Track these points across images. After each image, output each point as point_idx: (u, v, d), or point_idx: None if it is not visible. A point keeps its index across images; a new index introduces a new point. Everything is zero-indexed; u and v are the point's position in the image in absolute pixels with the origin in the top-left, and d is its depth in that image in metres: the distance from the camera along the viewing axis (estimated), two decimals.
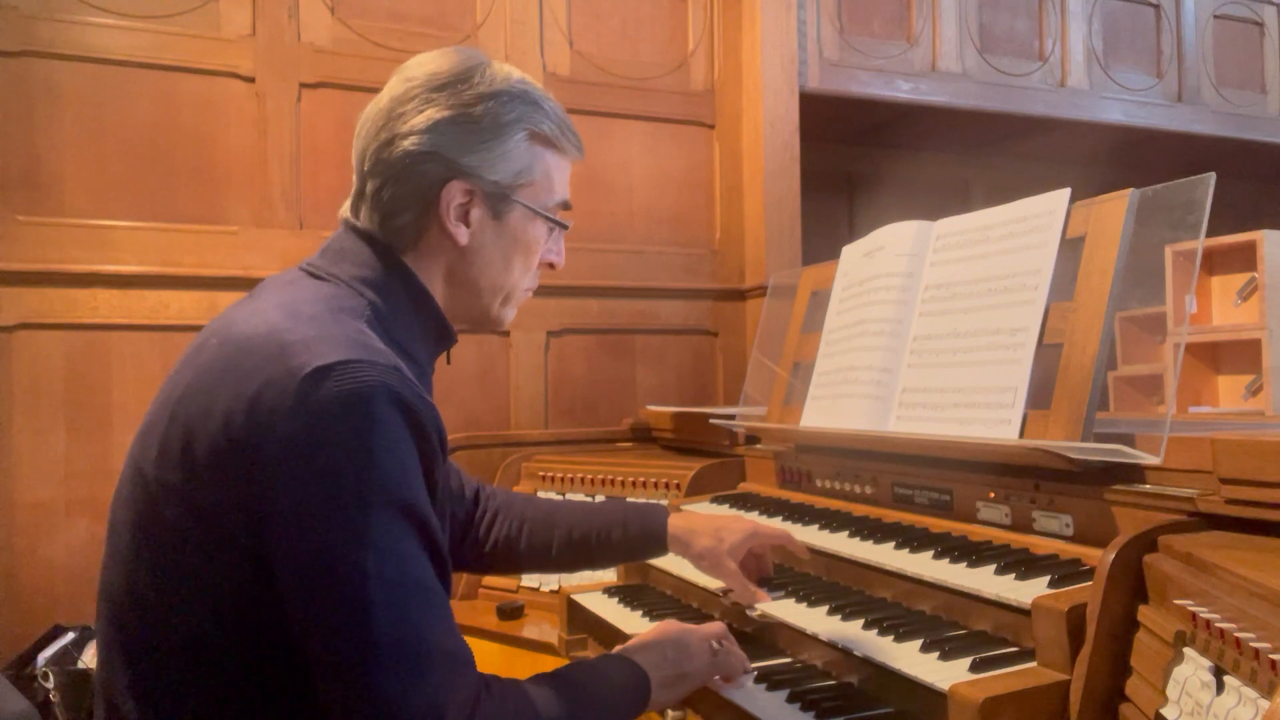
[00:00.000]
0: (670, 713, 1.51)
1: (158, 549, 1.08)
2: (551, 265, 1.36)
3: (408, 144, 1.19)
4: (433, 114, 1.19)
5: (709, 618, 1.76)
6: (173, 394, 1.12)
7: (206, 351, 1.12)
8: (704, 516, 1.66)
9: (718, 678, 1.40)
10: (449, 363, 1.34)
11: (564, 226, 1.33)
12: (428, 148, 1.19)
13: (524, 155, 1.24)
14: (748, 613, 1.60)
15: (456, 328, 1.31)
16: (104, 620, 1.15)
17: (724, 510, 2.04)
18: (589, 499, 2.50)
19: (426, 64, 1.23)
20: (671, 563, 1.87)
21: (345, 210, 1.27)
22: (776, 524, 1.83)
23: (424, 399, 1.08)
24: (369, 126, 1.23)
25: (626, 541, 1.61)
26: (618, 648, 1.35)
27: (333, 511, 1.00)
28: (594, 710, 1.18)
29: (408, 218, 1.21)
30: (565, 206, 1.32)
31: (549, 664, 1.61)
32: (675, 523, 1.62)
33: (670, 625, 1.40)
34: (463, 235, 1.23)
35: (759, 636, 1.61)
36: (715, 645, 1.38)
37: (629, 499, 2.36)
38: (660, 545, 1.62)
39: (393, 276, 1.21)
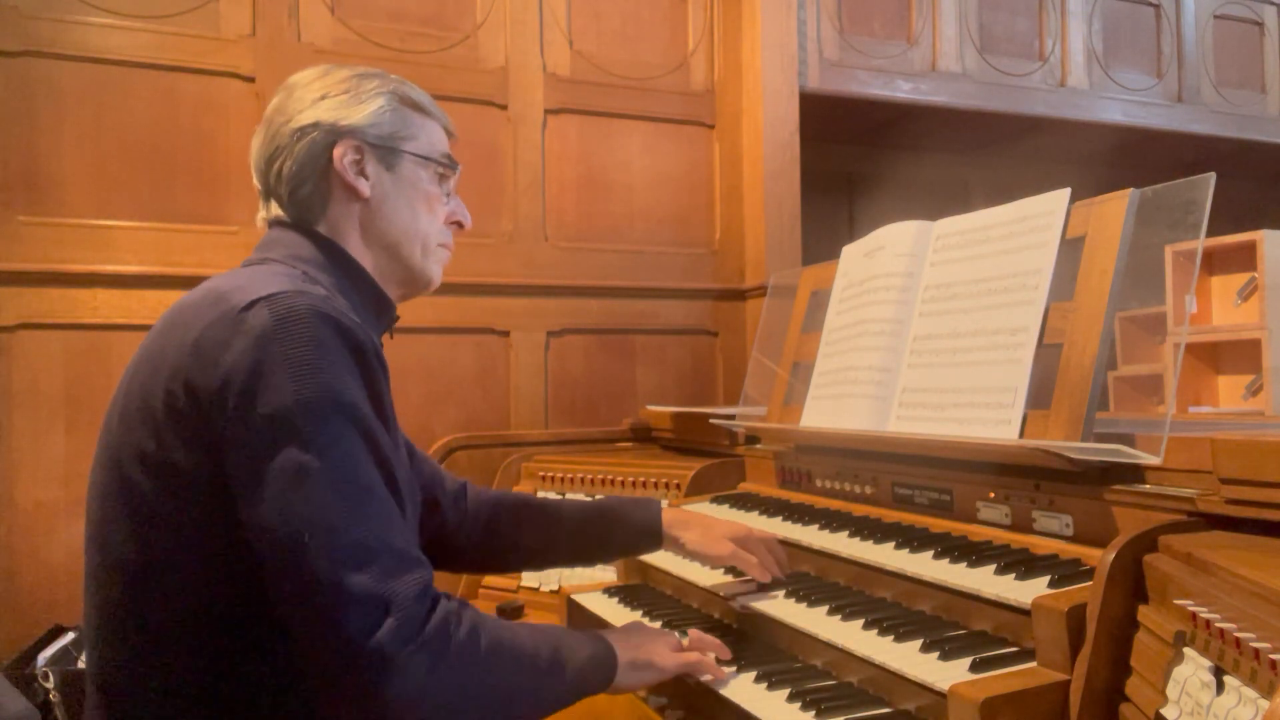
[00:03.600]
0: (670, 713, 1.51)
1: (131, 515, 1.12)
2: (459, 224, 1.45)
3: (292, 124, 1.30)
4: (307, 97, 1.32)
5: (709, 618, 1.76)
6: (127, 373, 1.20)
7: (152, 331, 1.21)
8: (695, 513, 1.69)
9: (706, 676, 1.41)
10: (391, 337, 1.39)
11: (453, 168, 1.42)
12: (310, 120, 1.30)
13: (397, 115, 1.35)
14: (738, 607, 1.61)
15: (392, 292, 1.39)
16: (90, 601, 1.17)
17: (724, 510, 2.04)
18: (589, 499, 2.51)
19: (297, 75, 1.37)
20: (671, 563, 1.87)
21: (259, 217, 1.37)
22: (777, 524, 1.84)
23: (358, 322, 1.14)
24: (259, 134, 1.35)
25: (624, 536, 1.64)
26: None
27: (282, 422, 1.04)
28: (561, 671, 1.21)
29: (309, 186, 1.31)
30: (451, 162, 1.42)
31: None
32: (669, 518, 1.65)
33: (639, 623, 1.47)
34: (364, 186, 1.32)
35: (758, 636, 1.61)
36: (680, 639, 1.42)
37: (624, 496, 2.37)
38: (656, 539, 1.65)
39: (322, 252, 1.30)
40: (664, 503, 1.72)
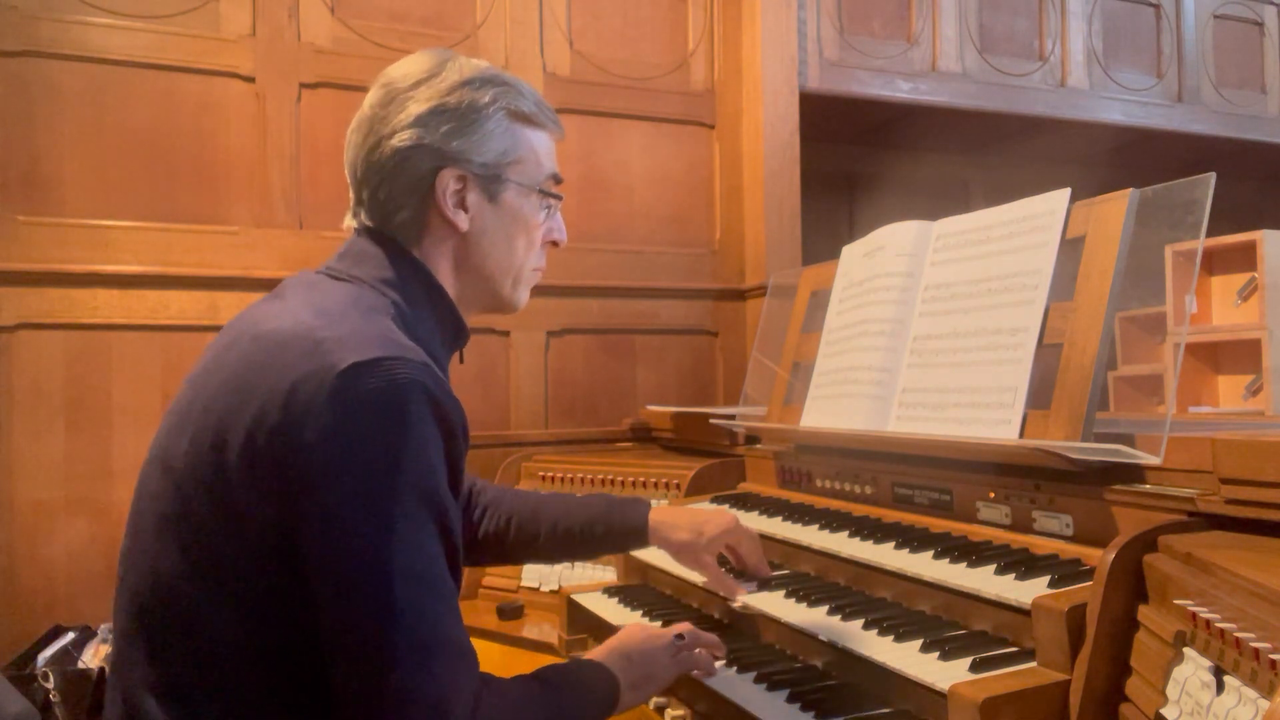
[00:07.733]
0: (669, 712, 1.51)
1: (186, 543, 1.10)
2: (555, 243, 1.39)
3: (395, 141, 1.23)
4: (413, 109, 1.23)
5: (708, 617, 1.76)
6: (204, 390, 1.13)
7: (237, 349, 1.14)
8: (686, 510, 1.68)
9: (696, 671, 1.42)
10: (461, 361, 1.36)
11: (558, 198, 1.36)
12: (414, 141, 1.22)
13: (506, 134, 1.28)
14: (733, 606, 1.61)
15: (472, 314, 1.35)
16: (125, 614, 1.15)
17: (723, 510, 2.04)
18: (577, 496, 2.50)
19: (399, 68, 1.28)
20: (670, 563, 1.87)
21: (348, 220, 1.31)
22: (777, 524, 1.84)
23: (452, 396, 1.11)
24: (356, 136, 1.27)
25: (609, 534, 1.64)
26: (587, 654, 1.39)
27: (364, 502, 1.02)
28: (572, 710, 1.23)
29: (407, 214, 1.25)
30: (556, 180, 1.35)
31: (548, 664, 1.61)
32: (656, 516, 1.65)
33: (634, 629, 1.43)
34: (463, 221, 1.26)
35: (758, 635, 1.60)
36: (677, 643, 1.41)
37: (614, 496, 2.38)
38: (641, 538, 1.65)
39: (410, 276, 1.25)
40: (662, 501, 1.72)
